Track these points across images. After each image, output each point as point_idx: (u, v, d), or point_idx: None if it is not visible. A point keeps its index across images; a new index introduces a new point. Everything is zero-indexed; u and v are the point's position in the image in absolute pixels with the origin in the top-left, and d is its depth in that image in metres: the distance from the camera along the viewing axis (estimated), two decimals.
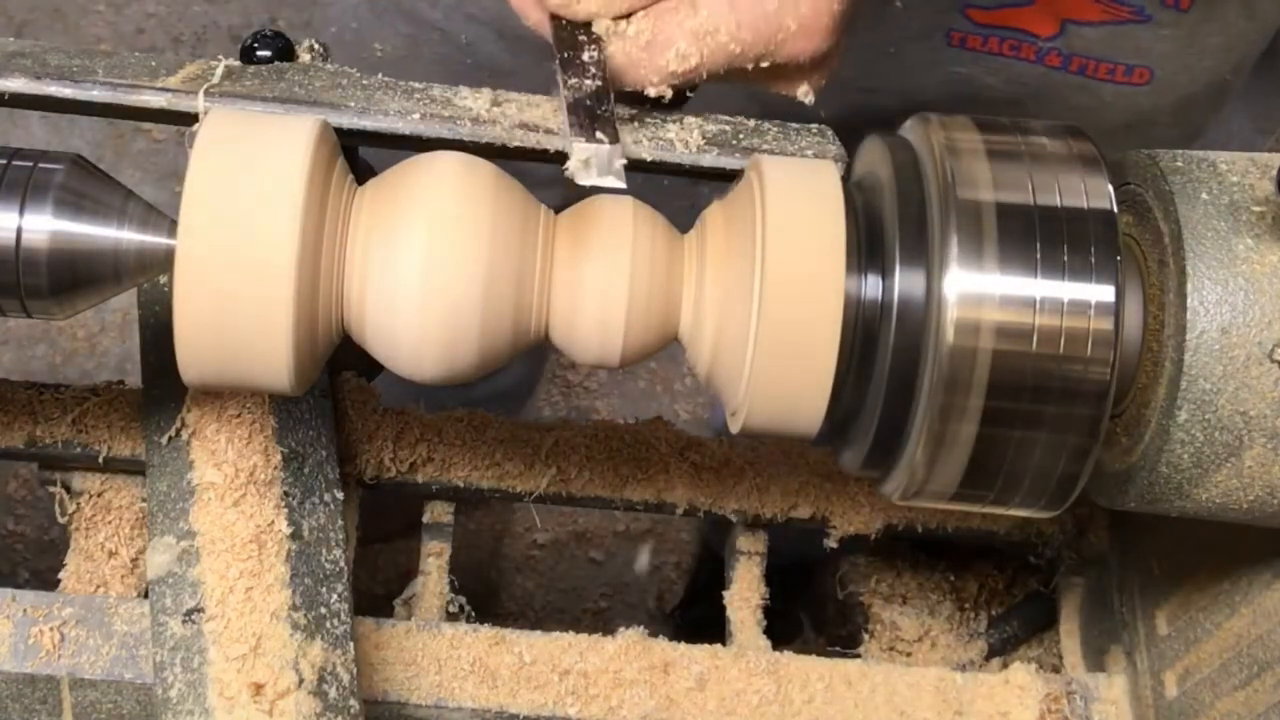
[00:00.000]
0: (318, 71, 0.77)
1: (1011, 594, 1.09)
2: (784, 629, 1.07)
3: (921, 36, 1.11)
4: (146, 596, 0.82)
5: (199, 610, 0.79)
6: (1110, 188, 0.67)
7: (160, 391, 0.88)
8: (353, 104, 0.74)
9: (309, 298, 0.66)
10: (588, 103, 0.71)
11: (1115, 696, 0.94)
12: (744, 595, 0.99)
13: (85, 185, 0.68)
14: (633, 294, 0.68)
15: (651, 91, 0.74)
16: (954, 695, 0.92)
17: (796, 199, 0.68)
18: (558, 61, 0.72)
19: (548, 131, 0.74)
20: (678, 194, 0.74)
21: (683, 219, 0.73)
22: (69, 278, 0.68)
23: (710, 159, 0.74)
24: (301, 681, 0.77)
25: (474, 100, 0.75)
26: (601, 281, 0.68)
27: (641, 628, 0.92)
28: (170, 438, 0.86)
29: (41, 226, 0.67)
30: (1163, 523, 0.82)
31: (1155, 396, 0.70)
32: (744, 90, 0.77)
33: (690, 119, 0.76)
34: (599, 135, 0.69)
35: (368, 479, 0.96)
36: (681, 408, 2.21)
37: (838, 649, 1.01)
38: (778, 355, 0.67)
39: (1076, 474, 0.68)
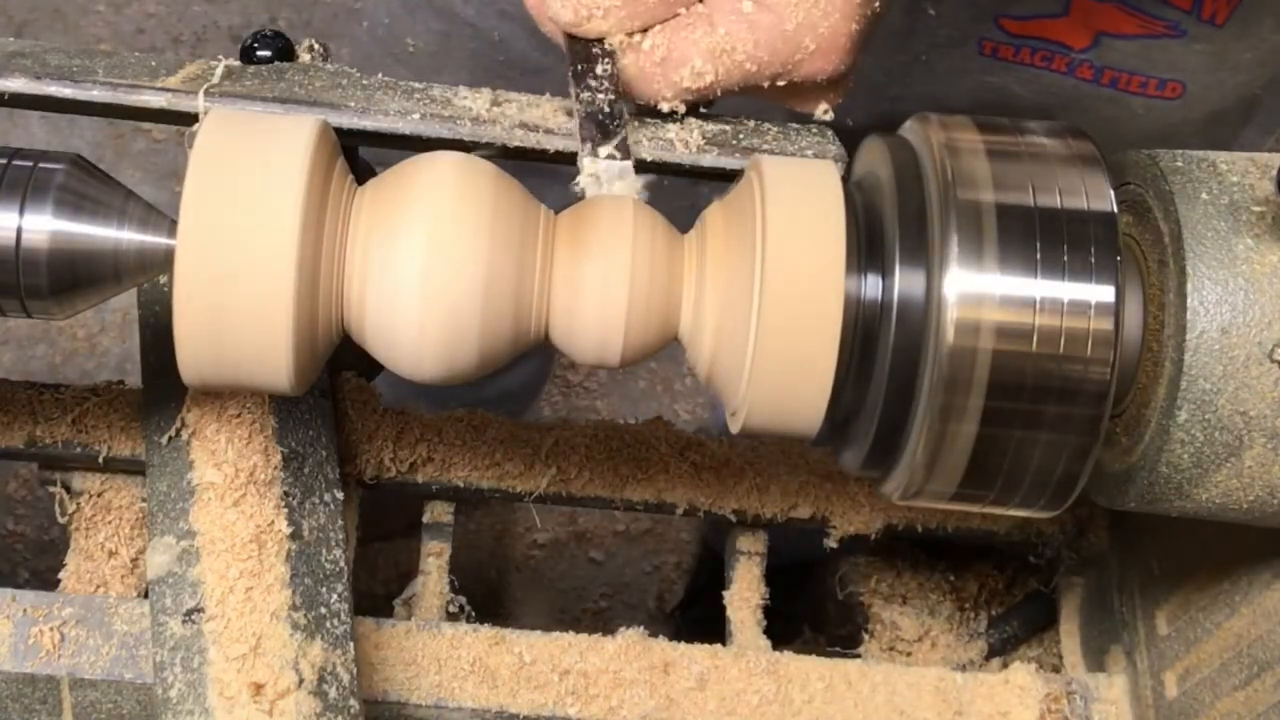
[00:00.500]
0: (318, 71, 0.77)
1: (1011, 594, 1.09)
2: (784, 629, 1.07)
3: (953, 45, 1.11)
4: (146, 596, 0.82)
5: (199, 610, 0.79)
6: (1110, 188, 0.67)
7: (160, 391, 0.88)
8: (353, 104, 0.74)
9: (309, 298, 0.66)
10: (600, 117, 0.71)
11: (1115, 696, 0.94)
12: (744, 595, 0.99)
13: (85, 185, 0.68)
14: (633, 294, 0.68)
15: (665, 107, 0.73)
16: (954, 695, 0.92)
17: (796, 199, 0.68)
18: (570, 74, 0.72)
19: (547, 131, 0.74)
20: (678, 194, 0.74)
21: (683, 219, 0.73)
22: (69, 278, 0.68)
23: (710, 159, 0.74)
24: (301, 681, 0.77)
25: (474, 100, 0.76)
26: (601, 281, 0.68)
27: (641, 628, 0.92)
28: (170, 438, 0.86)
29: (41, 226, 0.67)
30: (1163, 523, 0.82)
31: (1155, 396, 0.70)
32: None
33: (690, 119, 0.76)
34: (610, 150, 0.70)
35: (368, 479, 0.96)
36: (681, 408, 2.21)
37: (838, 649, 1.01)
38: (778, 355, 0.67)
39: (1076, 474, 0.68)
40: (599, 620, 1.98)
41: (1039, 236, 0.66)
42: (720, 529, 1.02)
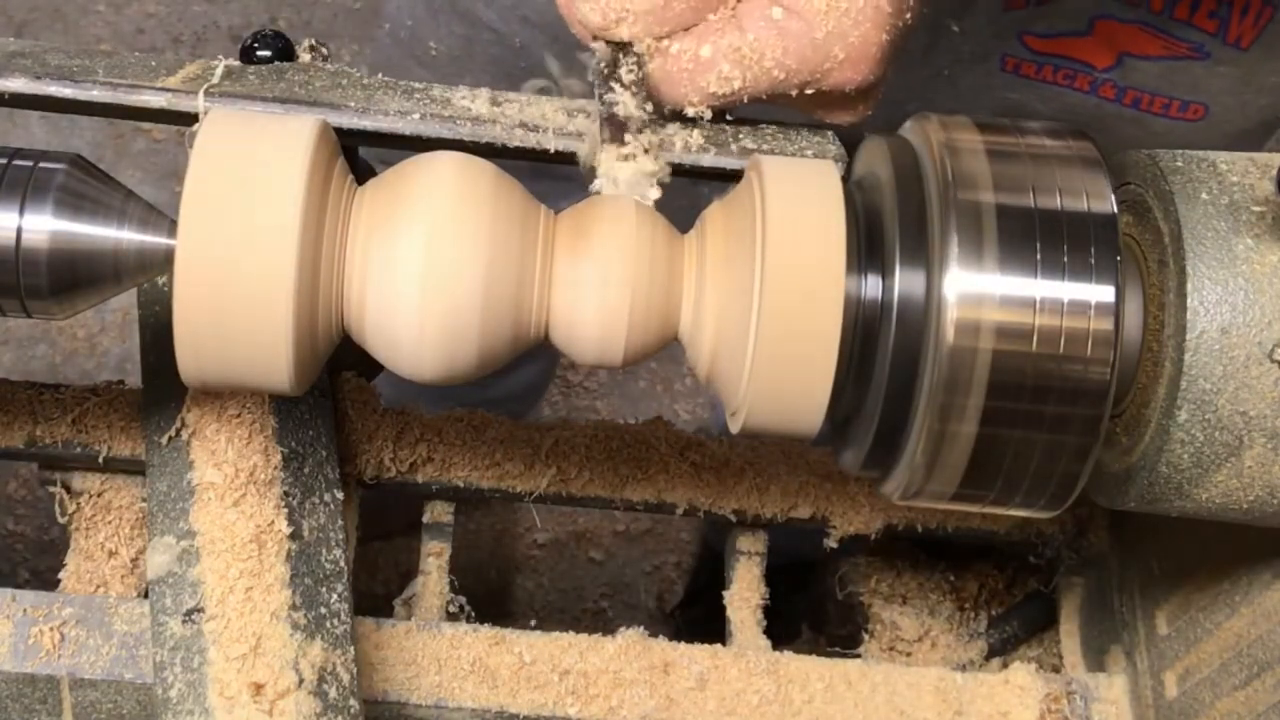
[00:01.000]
0: (318, 71, 0.77)
1: (1011, 594, 1.09)
2: (784, 629, 1.07)
3: (975, 61, 1.11)
4: (146, 596, 0.82)
5: (199, 610, 0.79)
6: (1110, 188, 0.67)
7: (160, 391, 0.88)
8: (353, 104, 0.74)
9: (309, 298, 0.66)
10: (621, 120, 0.71)
11: (1115, 696, 0.94)
12: (744, 595, 0.99)
13: (85, 185, 0.68)
14: (633, 294, 0.68)
15: (691, 111, 0.73)
16: (954, 695, 0.92)
17: (796, 199, 0.68)
18: (596, 76, 0.72)
19: (547, 131, 0.74)
20: (678, 194, 0.74)
21: (683, 219, 0.73)
22: (69, 278, 0.68)
23: (710, 159, 0.74)
24: (301, 681, 0.77)
25: (474, 100, 0.76)
26: (601, 281, 0.68)
27: (641, 628, 0.92)
28: (170, 438, 0.86)
29: (41, 226, 0.67)
30: (1163, 523, 0.82)
31: (1155, 396, 0.70)
32: None
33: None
34: (629, 153, 0.70)
35: (368, 479, 0.96)
36: (681, 408, 2.21)
37: (838, 649, 1.01)
38: (778, 355, 0.67)
39: (1076, 474, 0.68)
40: (599, 620, 1.98)
41: (1039, 236, 0.66)
42: (720, 529, 1.02)
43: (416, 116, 0.74)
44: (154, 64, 0.75)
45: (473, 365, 0.68)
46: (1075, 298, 0.65)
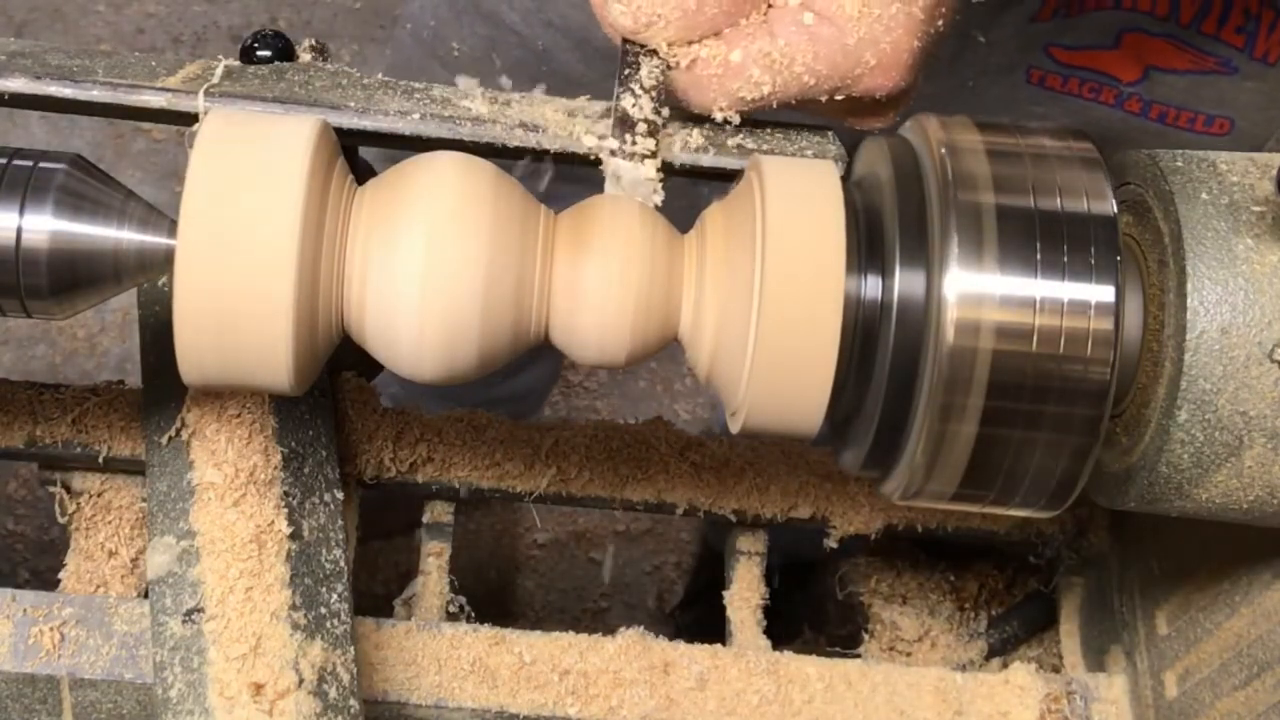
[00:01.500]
0: (318, 71, 0.77)
1: (1011, 594, 1.09)
2: (784, 629, 1.07)
3: (1001, 73, 1.10)
4: (146, 596, 0.82)
5: (199, 610, 0.79)
6: (1110, 188, 0.67)
7: (160, 391, 0.88)
8: (353, 104, 0.74)
9: (309, 298, 0.66)
10: (634, 121, 0.71)
11: (1115, 696, 0.94)
12: (744, 595, 0.99)
13: (85, 185, 0.68)
14: (633, 294, 0.68)
15: (719, 115, 0.73)
16: (954, 695, 0.92)
17: (796, 199, 0.68)
18: (617, 75, 0.72)
19: (547, 131, 0.74)
20: (678, 194, 0.74)
21: (683, 219, 0.73)
22: (69, 278, 0.68)
23: (710, 159, 0.74)
24: (301, 681, 0.77)
25: (474, 100, 0.76)
26: (601, 281, 0.68)
27: (641, 628, 0.92)
28: (170, 438, 0.86)
29: (41, 226, 0.67)
30: (1163, 523, 0.82)
31: (1155, 396, 0.70)
32: None
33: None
34: (637, 154, 0.70)
35: (368, 479, 0.96)
36: (681, 408, 2.21)
37: (838, 649, 1.01)
38: (778, 355, 0.67)
39: (1076, 474, 0.68)
40: (599, 620, 1.98)
41: (1039, 236, 0.66)
42: (720, 529, 1.02)
43: (416, 116, 0.74)
44: (154, 64, 0.75)
45: (473, 365, 0.68)
46: (1075, 298, 0.65)
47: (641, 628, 0.92)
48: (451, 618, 0.96)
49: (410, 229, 0.66)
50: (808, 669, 0.92)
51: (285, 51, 0.77)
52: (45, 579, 1.79)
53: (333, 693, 0.78)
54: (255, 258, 0.64)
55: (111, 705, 0.84)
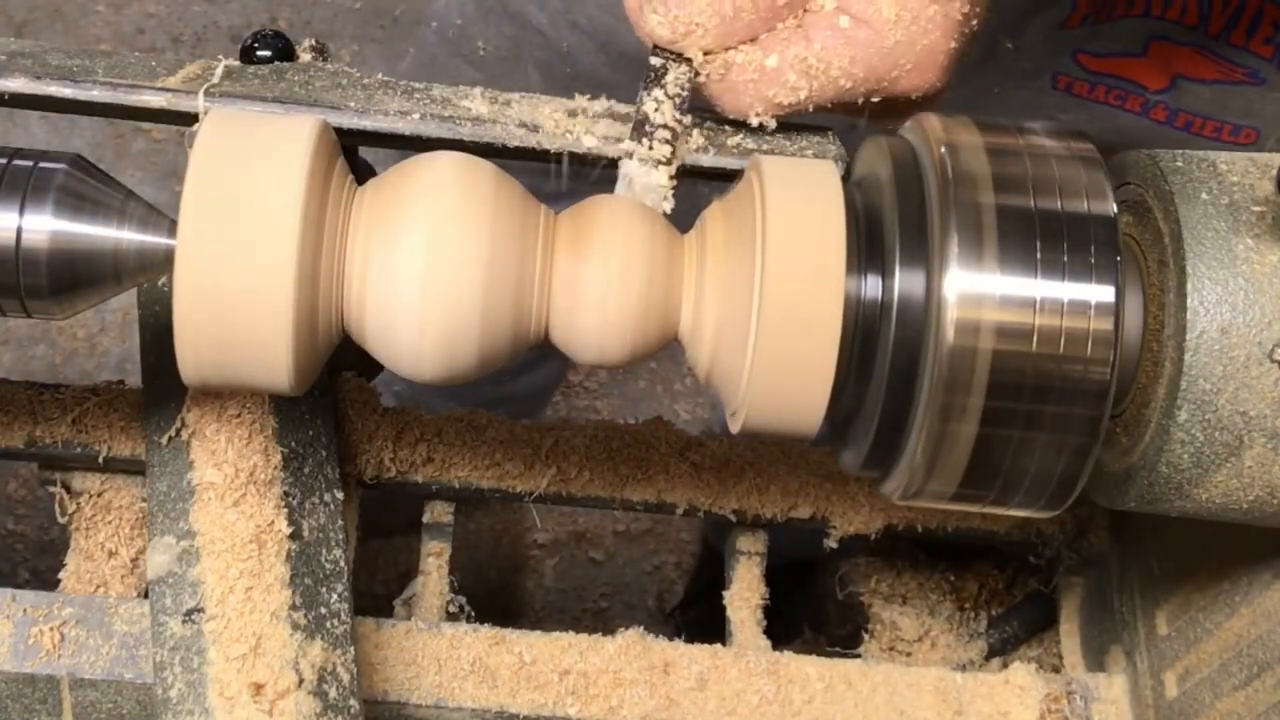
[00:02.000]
0: (318, 71, 0.77)
1: (1011, 594, 1.09)
2: (784, 629, 1.07)
3: (1027, 78, 1.10)
4: (146, 596, 0.82)
5: (199, 610, 0.79)
6: (1110, 188, 0.67)
7: (160, 391, 0.88)
8: (353, 104, 0.74)
9: (309, 298, 0.66)
10: (654, 125, 0.71)
11: (1115, 696, 0.94)
12: (744, 595, 0.99)
13: (85, 185, 0.68)
14: (633, 294, 0.68)
15: (754, 120, 0.73)
16: (954, 695, 0.92)
17: (796, 199, 0.68)
18: (644, 78, 0.73)
19: (547, 131, 0.74)
20: (678, 194, 0.74)
21: (683, 219, 0.73)
22: (69, 278, 0.68)
23: (710, 159, 0.74)
24: (301, 681, 0.77)
25: (474, 100, 0.76)
26: (601, 281, 0.68)
27: (641, 628, 0.92)
28: (170, 438, 0.86)
29: (41, 226, 0.67)
30: (1163, 523, 0.82)
31: (1155, 396, 0.70)
32: None
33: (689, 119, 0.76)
34: (652, 159, 0.70)
35: (368, 479, 0.96)
36: (681, 408, 2.21)
37: (838, 649, 1.01)
38: (778, 355, 0.67)
39: (1076, 474, 0.68)
40: (599, 620, 1.98)
41: (1039, 236, 0.66)
42: (720, 529, 1.02)
43: (416, 116, 0.74)
44: (154, 64, 0.75)
45: (473, 365, 0.68)
46: (1075, 298, 0.65)
47: (641, 628, 0.92)
48: (451, 618, 0.96)
49: (410, 229, 0.66)
50: (808, 669, 0.92)
51: (285, 51, 0.77)
52: (45, 579, 1.79)
53: (333, 693, 0.78)
54: (255, 258, 0.64)
55: (111, 705, 0.84)
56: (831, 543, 1.00)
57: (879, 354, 0.68)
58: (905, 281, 0.67)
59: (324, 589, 0.82)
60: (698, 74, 0.72)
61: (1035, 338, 0.65)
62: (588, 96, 0.77)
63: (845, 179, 0.72)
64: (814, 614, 1.77)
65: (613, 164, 0.73)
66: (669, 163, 0.72)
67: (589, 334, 0.69)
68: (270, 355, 0.66)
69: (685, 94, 0.72)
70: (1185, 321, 0.67)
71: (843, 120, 0.76)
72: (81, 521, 0.94)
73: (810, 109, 0.73)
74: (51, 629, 0.84)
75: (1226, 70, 1.07)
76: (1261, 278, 0.67)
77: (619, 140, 0.73)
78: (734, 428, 0.71)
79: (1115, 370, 0.66)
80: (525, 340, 0.70)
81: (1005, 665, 1.01)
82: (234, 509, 0.82)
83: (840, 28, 0.70)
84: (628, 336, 0.69)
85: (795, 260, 0.67)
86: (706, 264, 0.70)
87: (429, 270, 0.66)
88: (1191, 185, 0.69)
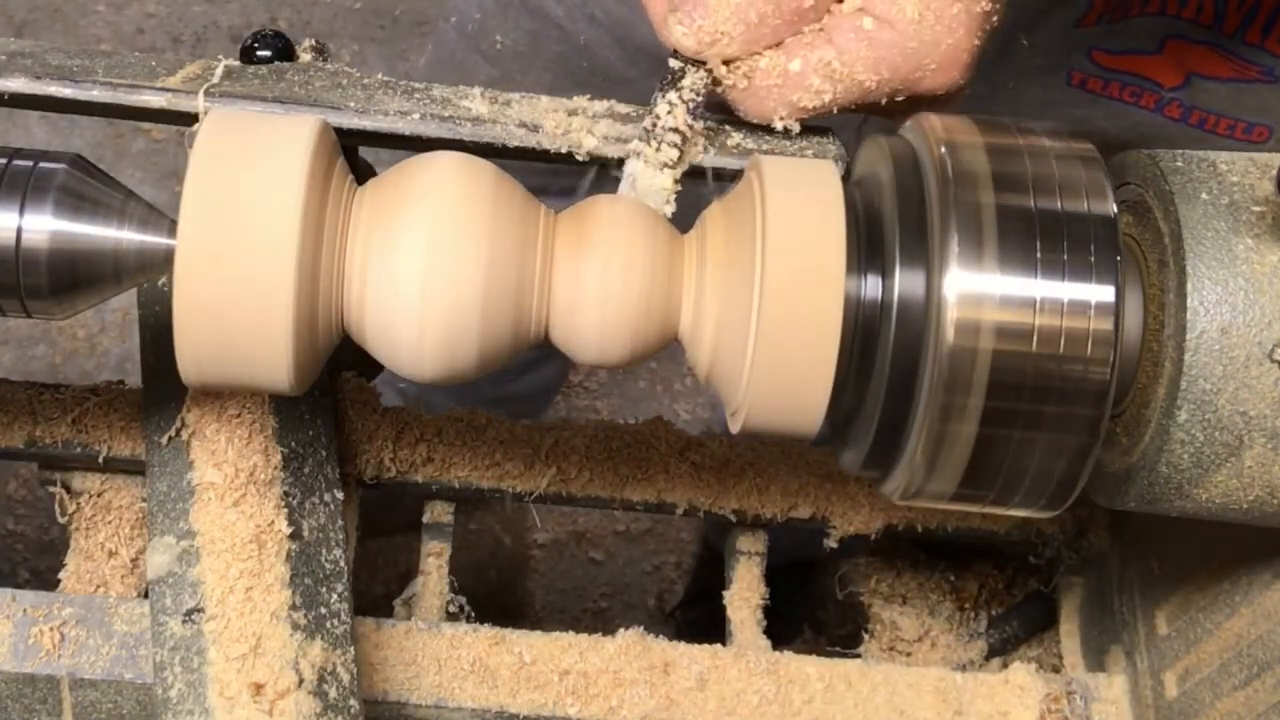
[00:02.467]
0: (318, 71, 0.77)
1: (1011, 594, 1.09)
2: (784, 629, 1.07)
3: (1042, 75, 1.10)
4: (146, 596, 0.82)
5: (199, 610, 0.79)
6: (1110, 188, 0.67)
7: (160, 391, 0.88)
8: (353, 104, 0.74)
9: (309, 298, 0.66)
10: (665, 128, 0.71)
11: (1115, 696, 0.94)
12: (744, 595, 0.99)
13: (85, 185, 0.68)
14: (633, 294, 0.68)
15: (779, 125, 0.73)
16: (954, 695, 0.92)
17: (796, 199, 0.68)
18: (661, 80, 0.72)
19: (548, 131, 0.74)
20: (678, 194, 0.74)
21: (683, 219, 0.73)
22: (69, 278, 0.68)
23: (710, 159, 0.74)
24: (301, 681, 0.77)
25: (474, 100, 0.76)
26: (601, 281, 0.68)
27: (641, 628, 0.92)
28: (170, 438, 0.86)
29: (41, 226, 0.67)
30: (1163, 523, 0.82)
31: (1155, 396, 0.70)
32: None
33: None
34: (657, 160, 0.70)
35: (368, 479, 0.96)
36: (681, 408, 2.21)
37: (838, 649, 1.01)
38: (778, 355, 0.67)
39: (1076, 474, 0.68)
40: (599, 620, 1.98)
41: (1039, 236, 0.66)
42: (720, 529, 1.02)
43: (416, 116, 0.74)
44: (154, 64, 0.75)
45: (473, 365, 0.68)
46: (1075, 298, 0.65)
47: (641, 628, 0.92)
48: (451, 618, 0.96)
49: (410, 229, 0.66)
50: (808, 669, 0.92)
51: (285, 51, 0.77)
52: (45, 579, 1.79)
53: (333, 693, 0.78)
54: (255, 258, 0.64)
55: (111, 705, 0.84)
56: (831, 543, 1.00)
57: (879, 354, 0.68)
58: (905, 281, 0.67)
59: (324, 589, 0.82)
60: (717, 82, 0.72)
61: (1035, 338, 0.65)
62: (588, 96, 0.77)
63: (845, 179, 0.72)
64: (814, 614, 1.77)
65: (619, 164, 0.73)
66: (675, 166, 0.72)
67: (589, 334, 0.69)
68: (270, 355, 0.66)
69: (700, 99, 0.72)
70: (1185, 321, 0.67)
71: (854, 117, 0.76)
72: (81, 521, 0.94)
73: (835, 111, 0.73)
74: (51, 629, 0.84)
75: (1241, 68, 1.08)
76: (1261, 278, 0.67)
77: (622, 140, 0.73)
78: (734, 428, 0.71)
79: (1115, 370, 0.66)
80: (525, 340, 0.70)
81: (1005, 665, 1.01)
82: (234, 509, 0.82)
83: (864, 30, 0.70)
84: (628, 336, 0.69)
85: (795, 260, 0.67)
86: (706, 264, 0.70)
87: (429, 270, 0.66)
88: (1191, 185, 0.69)
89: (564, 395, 2.19)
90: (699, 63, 0.72)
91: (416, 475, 0.96)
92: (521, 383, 1.73)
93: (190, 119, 0.72)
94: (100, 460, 0.92)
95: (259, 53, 0.77)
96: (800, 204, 0.68)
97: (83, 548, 0.94)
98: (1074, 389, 0.66)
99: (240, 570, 0.80)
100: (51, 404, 0.93)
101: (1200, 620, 0.86)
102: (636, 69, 1.19)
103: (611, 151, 0.74)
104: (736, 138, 0.75)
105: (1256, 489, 0.69)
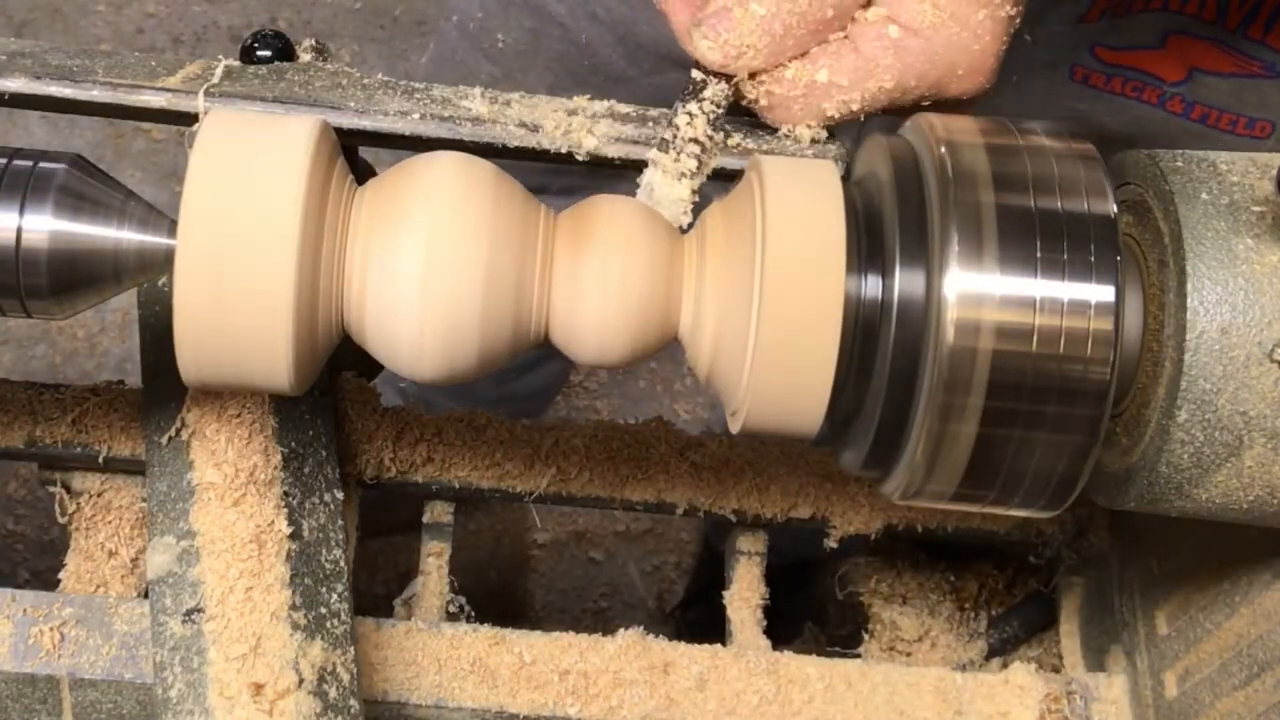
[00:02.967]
0: (318, 71, 0.77)
1: (1011, 594, 1.09)
2: (784, 629, 1.07)
3: (1045, 70, 1.11)
4: (146, 596, 0.82)
5: (199, 610, 0.79)
6: (1110, 188, 0.67)
7: (160, 391, 0.88)
8: (353, 104, 0.74)
9: (309, 298, 0.66)
10: (685, 138, 0.72)
11: (1115, 696, 0.94)
12: (744, 595, 0.99)
13: (85, 185, 0.68)
14: (633, 294, 0.68)
15: (806, 134, 0.73)
16: (954, 695, 0.92)
17: (796, 199, 0.68)
18: (683, 89, 0.72)
19: (548, 131, 0.74)
20: (695, 205, 0.74)
21: None
22: (69, 278, 0.68)
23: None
24: (301, 681, 0.77)
25: (474, 100, 0.76)
26: (601, 281, 0.68)
27: (641, 628, 0.92)
28: (170, 438, 0.86)
29: (41, 226, 0.67)
30: (1163, 523, 0.82)
31: (1155, 396, 0.70)
32: None
33: None
34: (676, 170, 0.70)
35: (368, 479, 0.96)
36: (681, 408, 2.21)
37: (838, 649, 1.01)
38: (778, 355, 0.67)
39: (1076, 474, 0.68)
40: (599, 620, 1.98)
41: (1039, 236, 0.66)
42: (720, 529, 1.02)
43: (416, 116, 0.74)
44: (154, 64, 0.75)
45: (473, 365, 0.68)
46: (1075, 297, 0.65)
47: (641, 628, 0.92)
48: (451, 618, 0.96)
49: (410, 229, 0.66)
50: (808, 669, 0.92)
51: (285, 51, 0.77)
52: (45, 579, 1.79)
53: (333, 693, 0.78)
54: (255, 258, 0.64)
55: (111, 705, 0.84)
56: (831, 543, 1.00)
57: (879, 354, 0.68)
58: (905, 281, 0.67)
59: (324, 589, 0.82)
60: (741, 94, 0.72)
61: (1035, 338, 0.65)
62: (589, 96, 0.77)
63: (845, 179, 0.72)
64: (814, 614, 1.77)
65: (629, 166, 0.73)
66: (693, 177, 0.72)
67: (589, 334, 0.69)
68: (270, 355, 0.66)
69: (721, 110, 0.72)
70: (1185, 321, 0.67)
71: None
72: (81, 521, 0.94)
73: (862, 118, 0.73)
74: (51, 629, 0.84)
75: (1243, 64, 1.08)
76: (1261, 278, 0.67)
77: (623, 140, 0.73)
78: (734, 428, 0.71)
79: (1115, 370, 0.66)
80: (525, 340, 0.70)
81: (1005, 665, 1.01)
82: (234, 509, 0.82)
83: (890, 37, 0.70)
84: (628, 336, 0.69)
85: (795, 260, 0.67)
86: (706, 264, 0.70)
87: (429, 270, 0.66)
88: (1191, 185, 0.69)
89: (564, 395, 2.19)
90: (721, 74, 0.72)
91: (416, 475, 0.96)
92: (522, 383, 1.73)
93: (190, 119, 0.72)
94: (100, 460, 0.92)
95: (259, 53, 0.77)
96: (800, 204, 0.68)
97: (83, 548, 0.94)
98: (1074, 389, 0.66)
99: (240, 570, 0.80)
100: (51, 404, 0.93)
101: (1200, 620, 0.86)
102: (638, 67, 1.19)
103: (611, 151, 0.74)
104: (736, 138, 0.75)
105: (1256, 489, 0.69)
